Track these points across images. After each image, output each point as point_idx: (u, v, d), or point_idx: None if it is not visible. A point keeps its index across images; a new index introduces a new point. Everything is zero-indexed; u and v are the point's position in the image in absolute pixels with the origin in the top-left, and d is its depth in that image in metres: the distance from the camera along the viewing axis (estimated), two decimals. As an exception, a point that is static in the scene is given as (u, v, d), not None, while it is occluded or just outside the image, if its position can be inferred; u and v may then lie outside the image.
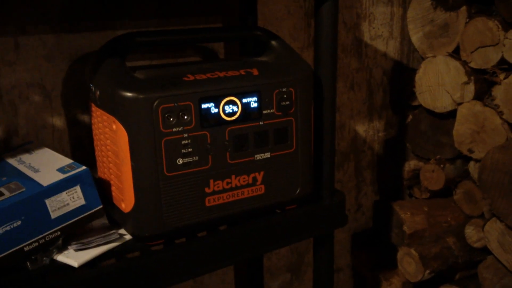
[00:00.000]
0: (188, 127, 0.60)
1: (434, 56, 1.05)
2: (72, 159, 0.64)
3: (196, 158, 0.61)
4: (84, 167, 0.60)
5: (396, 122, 1.18)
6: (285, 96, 0.66)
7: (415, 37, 1.10)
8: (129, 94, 0.56)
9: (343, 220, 0.75)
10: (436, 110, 1.07)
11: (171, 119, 0.59)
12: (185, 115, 0.59)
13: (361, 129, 1.14)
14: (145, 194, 0.59)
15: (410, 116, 1.15)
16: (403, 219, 1.09)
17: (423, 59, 1.08)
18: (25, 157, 0.68)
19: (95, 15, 0.77)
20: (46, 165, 0.63)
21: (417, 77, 1.07)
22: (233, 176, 0.64)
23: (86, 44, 0.77)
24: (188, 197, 0.61)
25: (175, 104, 0.59)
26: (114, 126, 0.59)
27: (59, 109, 0.77)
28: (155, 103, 0.57)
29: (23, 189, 0.57)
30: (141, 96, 0.57)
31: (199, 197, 0.62)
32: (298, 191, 0.69)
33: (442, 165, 1.09)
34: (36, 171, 0.62)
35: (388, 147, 1.19)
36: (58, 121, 0.78)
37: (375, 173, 1.19)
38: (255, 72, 0.65)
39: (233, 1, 0.88)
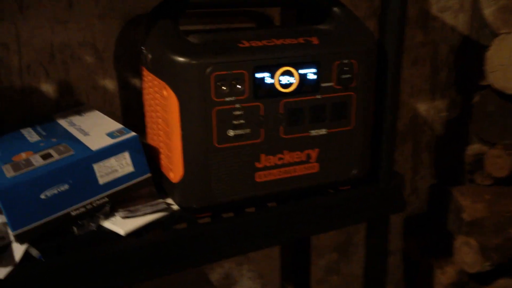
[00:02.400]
0: (241, 97, 0.57)
1: (509, 33, 0.95)
2: (122, 123, 0.62)
3: (247, 130, 0.58)
4: (133, 133, 0.58)
5: (460, 103, 1.10)
6: (346, 68, 0.61)
7: (488, 11, 1.01)
8: (181, 59, 0.53)
9: (401, 205, 0.70)
10: (507, 91, 0.98)
11: (224, 87, 0.55)
12: (238, 84, 0.56)
13: (421, 108, 1.07)
14: (195, 165, 0.57)
15: (477, 97, 1.07)
16: (463, 205, 1.03)
17: (495, 35, 0.99)
18: (76, 119, 0.67)
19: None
20: (96, 129, 0.62)
21: (488, 55, 0.99)
22: (285, 152, 0.60)
23: (140, 4, 0.74)
24: (238, 171, 0.58)
25: (229, 72, 0.55)
26: (165, 92, 0.56)
27: (111, 71, 0.76)
28: (208, 70, 0.54)
29: (72, 152, 0.56)
30: (194, 62, 0.54)
31: (249, 171, 0.59)
32: (354, 172, 0.65)
33: (509, 151, 1.01)
34: (86, 134, 0.61)
35: (449, 129, 1.12)
36: (110, 83, 0.76)
37: (434, 155, 1.12)
38: (315, 41, 0.61)
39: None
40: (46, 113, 0.72)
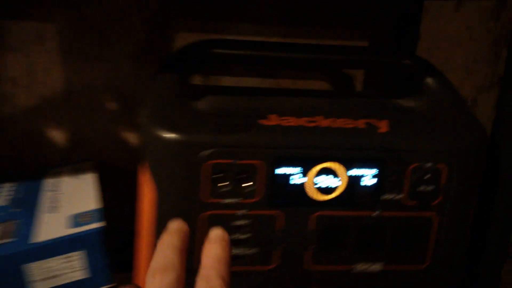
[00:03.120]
0: (249, 201, 0.37)
1: None
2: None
3: (255, 250, 0.38)
4: (99, 224, 0.41)
5: None
6: (428, 176, 0.38)
7: None
8: (163, 132, 0.36)
9: None
10: None
11: (224, 183, 0.36)
12: (247, 181, 0.37)
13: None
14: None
15: None
16: None
17: None
18: (63, 182, 0.52)
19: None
20: (70, 203, 0.46)
21: None
22: (310, 291, 0.39)
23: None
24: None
25: (235, 161, 0.36)
26: (145, 174, 0.39)
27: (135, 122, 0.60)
28: (203, 154, 0.36)
29: (9, 240, 0.40)
30: (181, 139, 0.35)
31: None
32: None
33: None
34: (53, 209, 0.45)
35: None
36: (133, 137, 0.61)
37: None
38: (384, 127, 0.39)
39: (386, 13, 0.62)
40: (46, 167, 0.58)
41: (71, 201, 0.46)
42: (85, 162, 0.58)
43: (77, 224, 0.42)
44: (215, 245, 0.26)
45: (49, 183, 0.52)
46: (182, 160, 0.36)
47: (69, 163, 0.58)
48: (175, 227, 0.27)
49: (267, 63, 0.45)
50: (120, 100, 0.60)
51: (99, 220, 0.42)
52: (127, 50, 0.58)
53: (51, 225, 0.42)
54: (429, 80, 0.44)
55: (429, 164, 0.38)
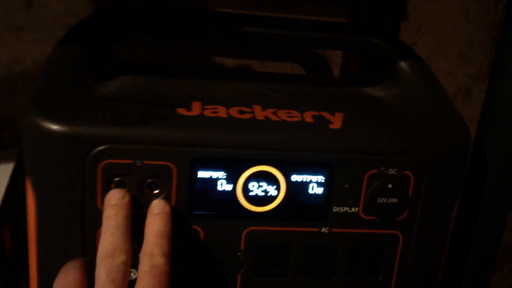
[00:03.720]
0: (161, 212, 0.29)
1: None
2: None
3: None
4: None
5: None
6: (390, 185, 0.30)
7: None
8: (43, 121, 0.27)
9: None
10: None
11: (125, 190, 0.28)
12: (156, 188, 0.29)
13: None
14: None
15: None
16: None
17: None
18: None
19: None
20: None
21: None
22: (238, 325, 0.31)
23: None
24: None
25: (137, 161, 0.28)
26: (26, 180, 0.30)
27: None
28: (93, 152, 0.27)
29: None
30: (66, 131, 0.27)
31: None
32: None
33: None
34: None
35: None
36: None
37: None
38: (337, 122, 0.31)
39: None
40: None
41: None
42: (8, 150, 0.50)
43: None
44: (156, 218, 0.27)
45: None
46: (66, 159, 0.27)
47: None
48: (115, 199, 0.27)
49: (202, 37, 0.37)
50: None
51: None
52: (62, 19, 0.49)
53: None
54: (404, 66, 0.36)
55: (392, 171, 0.30)
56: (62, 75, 0.30)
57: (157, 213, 0.27)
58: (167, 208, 0.28)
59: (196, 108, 0.30)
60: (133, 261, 0.26)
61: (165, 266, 0.25)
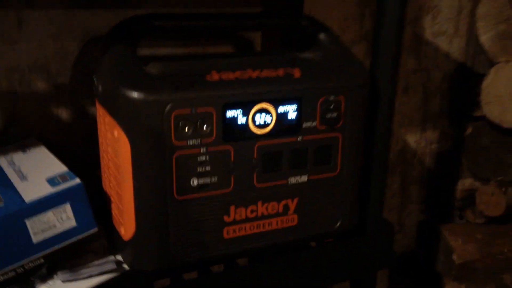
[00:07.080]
0: (208, 140, 0.47)
1: (508, 61, 0.88)
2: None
3: (215, 179, 0.49)
4: (77, 181, 0.49)
5: (453, 134, 1.03)
6: (332, 106, 0.52)
7: (485, 37, 0.94)
8: (134, 94, 0.44)
9: (391, 259, 0.62)
10: (504, 125, 0.91)
11: (187, 128, 0.46)
12: (204, 125, 0.47)
13: (411, 139, 0.99)
14: (149, 220, 0.47)
15: (470, 128, 0.99)
16: (453, 246, 0.95)
17: (492, 64, 0.92)
18: (18, 157, 0.57)
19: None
20: (37, 171, 0.52)
21: (484, 85, 0.91)
22: (259, 203, 0.51)
23: (102, 23, 0.65)
24: (203, 226, 0.49)
25: (193, 110, 0.46)
26: (115, 133, 0.47)
27: (65, 98, 0.66)
28: (167, 108, 0.45)
29: (1, 204, 0.46)
30: (150, 98, 0.44)
31: (217, 227, 0.50)
32: (339, 224, 0.56)
33: (503, 188, 0.94)
34: (24, 178, 0.51)
35: (440, 162, 1.04)
36: (64, 113, 0.67)
37: (423, 190, 1.04)
38: (297, 73, 0.52)
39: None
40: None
41: (37, 170, 0.52)
42: (27, 139, 0.63)
43: (57, 184, 0.48)
44: None
45: (3, 160, 0.56)
46: (151, 114, 0.45)
47: (11, 141, 0.62)
48: None
49: (194, 30, 0.55)
50: (48, 78, 0.65)
51: (75, 178, 0.49)
52: (48, 31, 0.62)
53: (34, 188, 0.48)
54: (322, 37, 0.58)
55: (332, 97, 0.52)
56: (125, 63, 0.47)
57: None
58: None
59: (215, 75, 0.49)
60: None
61: None
